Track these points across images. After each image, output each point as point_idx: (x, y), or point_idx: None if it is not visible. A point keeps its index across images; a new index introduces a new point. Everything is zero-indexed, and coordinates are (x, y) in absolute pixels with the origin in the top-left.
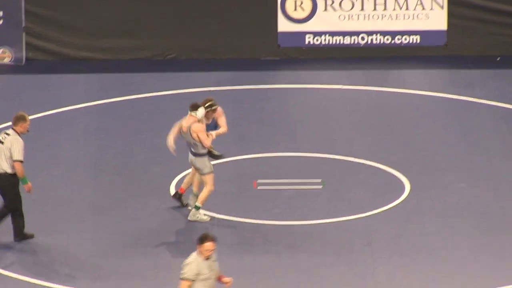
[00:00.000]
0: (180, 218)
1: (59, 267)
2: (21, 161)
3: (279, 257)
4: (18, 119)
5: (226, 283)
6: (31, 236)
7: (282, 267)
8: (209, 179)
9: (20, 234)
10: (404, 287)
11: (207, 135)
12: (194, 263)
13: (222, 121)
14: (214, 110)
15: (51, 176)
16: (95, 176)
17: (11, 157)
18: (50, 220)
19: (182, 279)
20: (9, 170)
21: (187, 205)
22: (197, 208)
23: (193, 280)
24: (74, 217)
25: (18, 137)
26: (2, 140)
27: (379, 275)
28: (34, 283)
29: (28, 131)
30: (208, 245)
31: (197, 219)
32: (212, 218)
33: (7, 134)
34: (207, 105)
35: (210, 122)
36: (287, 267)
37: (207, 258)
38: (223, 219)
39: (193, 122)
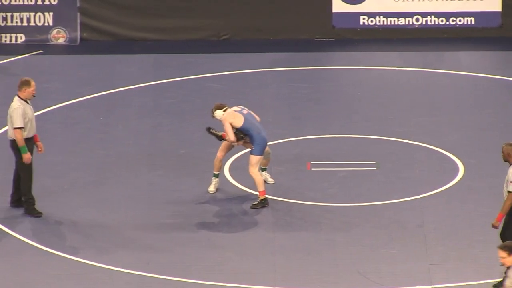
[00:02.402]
0: (234, 197)
1: (113, 246)
2: (20, 128)
3: (333, 238)
4: (22, 84)
5: None
6: (39, 214)
7: (336, 247)
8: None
9: (16, 201)
10: (458, 268)
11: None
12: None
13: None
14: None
15: (107, 156)
16: (150, 155)
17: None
18: (107, 200)
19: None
20: (13, 137)
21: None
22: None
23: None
24: (130, 196)
25: (18, 104)
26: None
27: (432, 257)
28: (84, 263)
29: (34, 96)
30: (498, 251)
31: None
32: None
33: (12, 101)
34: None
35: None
36: (341, 247)
37: (502, 265)
38: (277, 200)
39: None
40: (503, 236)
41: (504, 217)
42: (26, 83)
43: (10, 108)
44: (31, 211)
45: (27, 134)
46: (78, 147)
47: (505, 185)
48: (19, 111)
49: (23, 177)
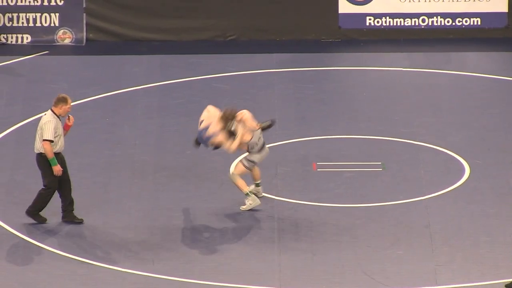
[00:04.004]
0: (239, 198)
1: (118, 246)
2: (50, 141)
3: (339, 238)
4: (59, 101)
5: None
6: (44, 220)
7: (342, 248)
8: None
9: (34, 215)
10: (464, 269)
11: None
12: None
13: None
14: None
15: (113, 156)
16: (156, 155)
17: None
18: (112, 200)
19: None
20: (42, 150)
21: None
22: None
23: None
24: (135, 197)
25: (52, 117)
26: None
27: (438, 257)
28: (88, 263)
29: (68, 115)
30: None
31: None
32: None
33: (45, 114)
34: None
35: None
36: (347, 248)
37: None
38: (283, 201)
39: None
40: None
41: None
42: (64, 100)
43: (41, 121)
44: (36, 218)
45: (55, 149)
46: (84, 148)
47: None
48: (52, 124)
49: (46, 191)
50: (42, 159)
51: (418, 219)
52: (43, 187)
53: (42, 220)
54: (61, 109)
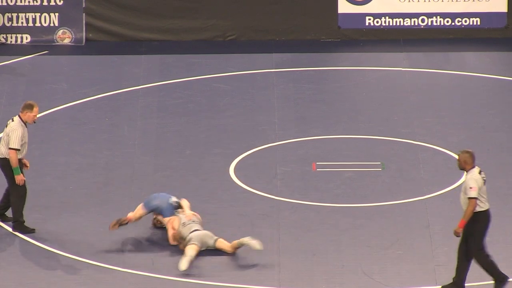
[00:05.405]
0: (238, 198)
1: (118, 246)
2: (16, 150)
3: (339, 238)
4: (25, 107)
5: None
6: (32, 231)
7: (342, 248)
8: None
9: (21, 227)
10: None
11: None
12: None
13: None
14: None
15: (113, 156)
16: (156, 155)
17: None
18: (111, 200)
19: None
20: (7, 156)
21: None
22: None
23: None
24: (136, 196)
25: (19, 125)
26: (7, 124)
27: (438, 257)
28: (88, 263)
29: (34, 122)
30: None
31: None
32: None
33: (12, 120)
34: None
35: None
36: (346, 248)
37: None
38: (283, 201)
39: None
40: (463, 247)
41: (464, 228)
42: (29, 107)
43: (8, 127)
44: (23, 230)
45: (20, 156)
46: (84, 148)
47: (462, 192)
48: (19, 132)
49: (14, 198)
50: (6, 163)
51: (418, 219)
52: (10, 191)
53: (31, 231)
54: (25, 115)
